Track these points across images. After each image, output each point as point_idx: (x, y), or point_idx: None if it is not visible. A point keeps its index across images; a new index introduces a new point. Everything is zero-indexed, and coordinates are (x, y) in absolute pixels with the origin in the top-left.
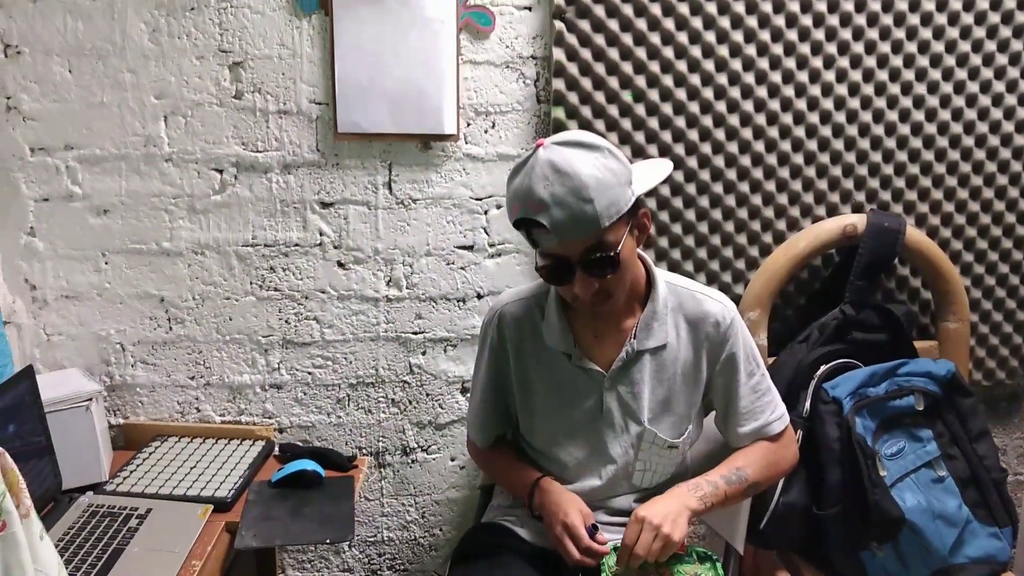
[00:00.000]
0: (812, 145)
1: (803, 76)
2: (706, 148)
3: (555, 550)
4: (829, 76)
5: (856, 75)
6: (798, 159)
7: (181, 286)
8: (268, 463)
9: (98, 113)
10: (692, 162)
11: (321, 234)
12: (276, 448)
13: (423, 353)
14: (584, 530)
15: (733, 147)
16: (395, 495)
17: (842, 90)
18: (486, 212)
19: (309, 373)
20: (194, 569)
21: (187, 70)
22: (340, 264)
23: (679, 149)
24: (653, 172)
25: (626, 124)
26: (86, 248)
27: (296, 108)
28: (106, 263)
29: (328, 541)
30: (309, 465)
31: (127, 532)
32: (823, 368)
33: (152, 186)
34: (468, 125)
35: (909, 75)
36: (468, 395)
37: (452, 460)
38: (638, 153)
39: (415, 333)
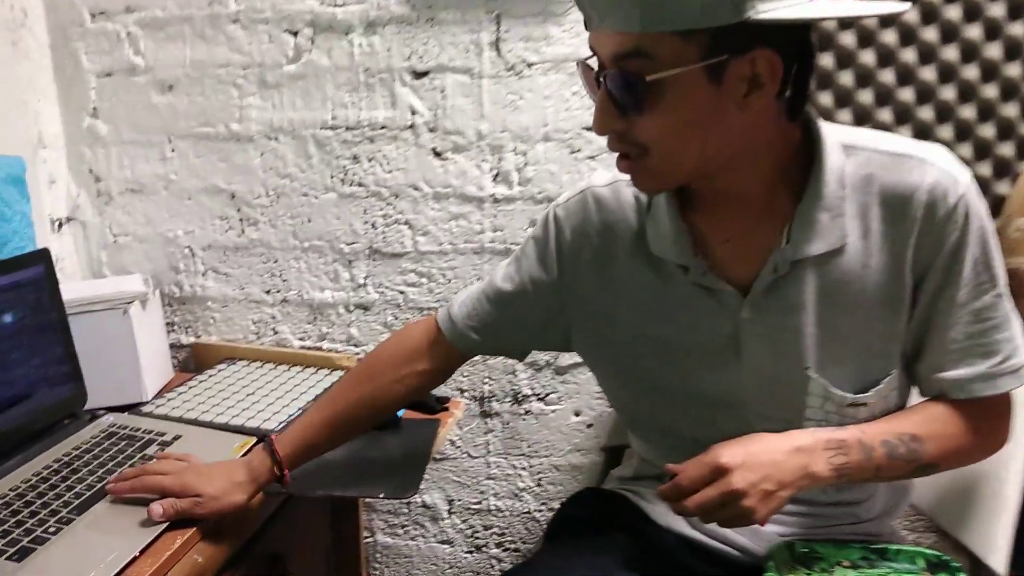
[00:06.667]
0: None
1: None
2: None
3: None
4: None
5: None
6: None
7: (252, 179)
8: None
9: None
10: None
11: (413, 113)
12: None
13: None
14: None
15: None
16: (505, 453)
17: None
18: None
19: (400, 292)
20: None
21: None
22: (436, 152)
23: None
24: (859, 5)
25: None
26: (151, 132)
27: None
28: (172, 150)
29: (382, 496)
30: None
31: (139, 460)
32: None
33: (218, 54)
34: None
35: None
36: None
37: (576, 415)
38: None
39: None
